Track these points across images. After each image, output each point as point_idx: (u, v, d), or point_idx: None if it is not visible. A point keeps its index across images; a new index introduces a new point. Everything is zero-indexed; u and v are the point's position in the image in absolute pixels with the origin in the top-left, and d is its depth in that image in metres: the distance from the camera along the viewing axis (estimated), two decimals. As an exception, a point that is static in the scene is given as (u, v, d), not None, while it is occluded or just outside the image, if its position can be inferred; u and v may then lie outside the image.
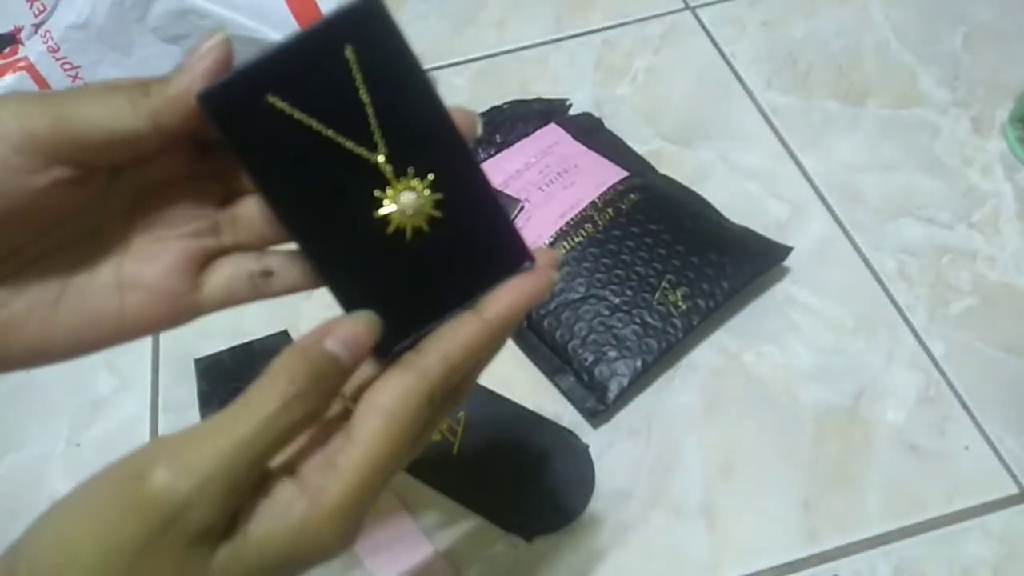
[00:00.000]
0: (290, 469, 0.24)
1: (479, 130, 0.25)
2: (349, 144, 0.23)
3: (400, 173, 0.24)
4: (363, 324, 0.24)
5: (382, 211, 0.24)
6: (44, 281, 0.25)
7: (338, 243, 0.24)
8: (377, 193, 0.24)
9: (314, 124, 0.23)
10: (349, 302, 0.25)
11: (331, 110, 0.23)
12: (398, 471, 0.25)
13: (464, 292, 0.25)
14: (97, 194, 0.24)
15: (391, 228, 0.24)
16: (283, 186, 0.24)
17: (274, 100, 0.23)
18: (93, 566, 0.21)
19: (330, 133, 0.23)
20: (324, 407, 0.24)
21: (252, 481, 0.23)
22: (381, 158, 0.24)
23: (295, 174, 0.24)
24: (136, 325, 0.26)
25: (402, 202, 0.24)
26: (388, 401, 0.23)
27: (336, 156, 0.23)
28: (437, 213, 0.24)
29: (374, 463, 0.23)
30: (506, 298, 0.25)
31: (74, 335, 0.27)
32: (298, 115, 0.23)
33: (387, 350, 0.25)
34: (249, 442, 0.22)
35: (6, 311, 0.25)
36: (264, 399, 0.23)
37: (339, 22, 0.23)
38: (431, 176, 0.24)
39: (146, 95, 0.22)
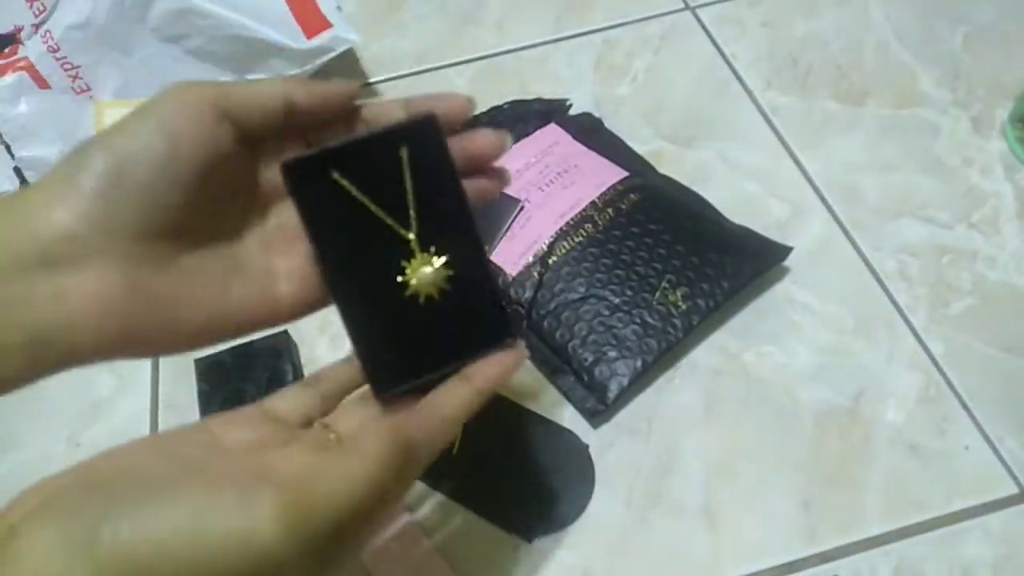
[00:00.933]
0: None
1: (471, 111, 0.31)
2: (389, 220, 0.30)
3: (424, 250, 0.30)
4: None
5: (403, 277, 0.30)
6: (214, 259, 0.30)
7: (363, 294, 0.30)
8: (403, 263, 0.30)
9: (365, 200, 0.30)
10: (360, 343, 0.30)
11: (380, 193, 0.30)
12: (373, 513, 0.26)
13: (456, 353, 0.31)
14: (250, 169, 0.30)
15: (408, 292, 0.30)
16: (331, 243, 0.30)
17: (338, 177, 0.29)
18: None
19: (375, 209, 0.30)
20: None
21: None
22: (412, 236, 0.30)
23: (342, 236, 0.30)
24: (292, 310, 0.31)
25: (421, 272, 0.30)
26: (388, 430, 0.27)
27: (376, 228, 0.30)
28: (446, 286, 0.31)
29: (371, 473, 0.26)
30: (491, 370, 0.31)
31: (237, 316, 0.30)
32: (355, 192, 0.30)
33: (382, 389, 0.30)
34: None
35: (185, 280, 0.29)
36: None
37: (400, 129, 0.30)
38: (446, 257, 0.30)
39: (287, 80, 0.29)
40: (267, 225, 0.32)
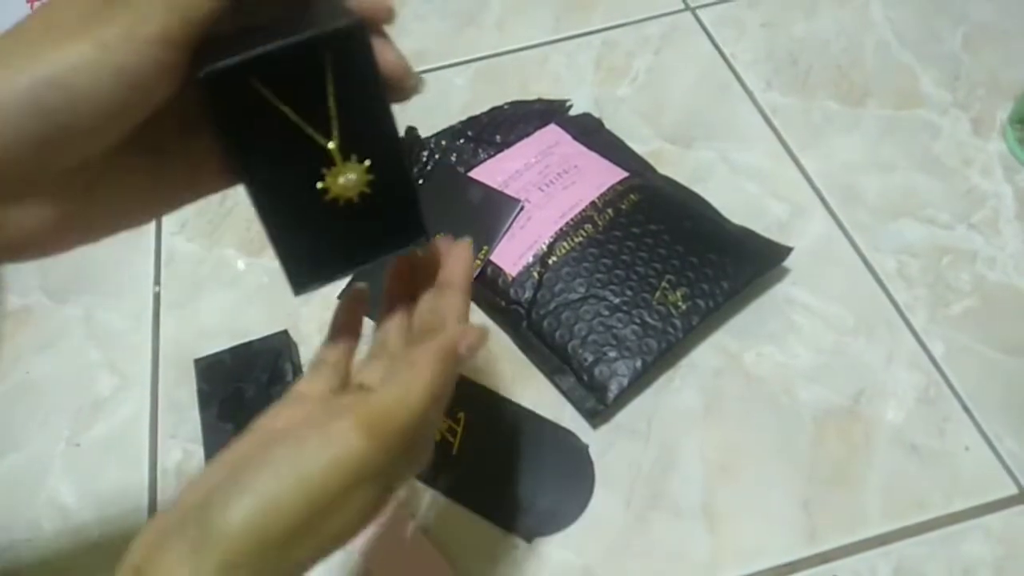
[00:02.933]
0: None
1: (392, 17, 0.30)
2: (309, 130, 0.29)
3: (346, 158, 0.30)
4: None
5: (322, 184, 0.30)
6: (144, 162, 0.29)
7: (284, 200, 0.30)
8: (323, 170, 0.30)
9: (286, 110, 0.29)
10: (279, 244, 0.31)
11: (303, 102, 0.29)
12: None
13: (371, 251, 0.32)
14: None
15: (328, 196, 0.30)
16: (249, 153, 0.29)
17: (258, 85, 0.28)
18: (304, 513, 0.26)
19: (295, 119, 0.29)
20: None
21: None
22: (332, 144, 0.30)
23: (261, 145, 0.29)
24: (218, 184, 0.31)
25: (340, 181, 0.30)
26: (433, 346, 0.30)
27: (297, 137, 0.29)
28: (367, 189, 0.31)
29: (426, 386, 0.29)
30: (458, 267, 0.34)
31: (169, 204, 0.31)
32: (276, 102, 0.28)
33: (299, 287, 0.31)
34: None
35: (118, 193, 0.29)
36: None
37: (326, 35, 0.28)
38: (367, 163, 0.30)
39: None
40: (196, 126, 0.30)
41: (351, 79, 0.29)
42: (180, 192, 0.31)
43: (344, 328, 0.34)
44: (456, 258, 0.35)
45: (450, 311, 0.33)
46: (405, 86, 0.30)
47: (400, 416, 0.28)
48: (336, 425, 0.27)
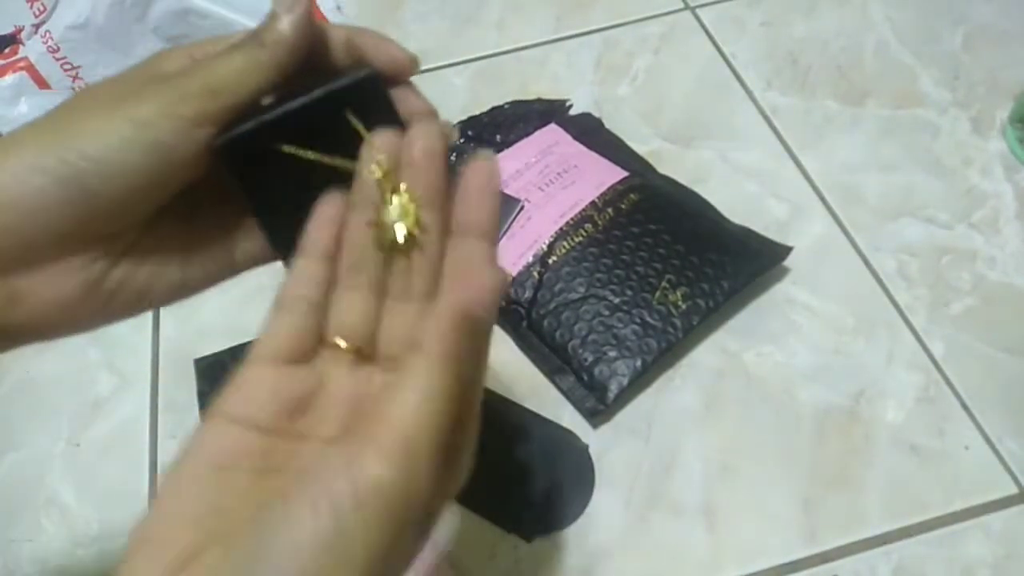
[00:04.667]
0: None
1: (413, 69, 0.29)
2: (347, 164, 0.27)
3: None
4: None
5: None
6: (173, 238, 0.29)
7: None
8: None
9: (324, 159, 0.27)
10: None
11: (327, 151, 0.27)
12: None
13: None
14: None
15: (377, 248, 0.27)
16: (279, 219, 0.28)
17: (287, 148, 0.27)
18: None
19: (339, 162, 0.27)
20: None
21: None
22: (379, 173, 0.26)
23: (290, 207, 0.27)
24: (248, 264, 0.31)
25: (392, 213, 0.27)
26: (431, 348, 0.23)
27: (328, 183, 0.27)
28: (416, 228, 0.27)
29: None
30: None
31: (197, 283, 0.30)
32: (311, 155, 0.27)
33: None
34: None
35: (145, 267, 0.28)
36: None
37: (342, 90, 0.27)
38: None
39: (262, 46, 0.27)
40: (223, 191, 0.29)
41: (374, 127, 0.27)
42: (213, 264, 0.30)
43: (324, 247, 0.27)
44: (477, 185, 0.25)
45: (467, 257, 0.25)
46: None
47: (425, 435, 0.22)
48: (357, 465, 0.21)
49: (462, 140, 0.60)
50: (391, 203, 0.26)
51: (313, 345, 0.26)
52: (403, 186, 0.26)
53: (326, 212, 0.27)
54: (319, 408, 0.25)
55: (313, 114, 0.27)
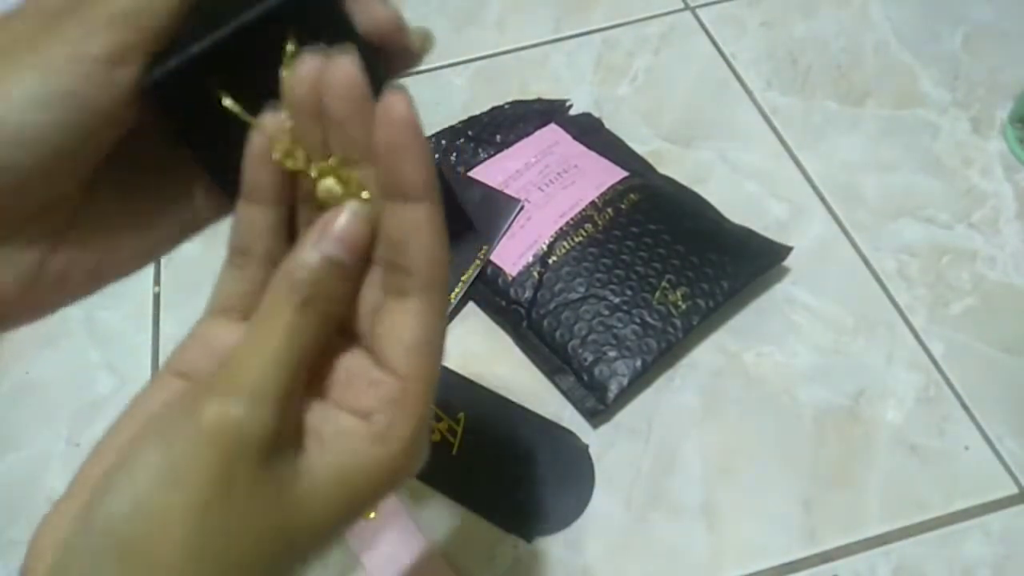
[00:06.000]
0: (338, 400, 0.23)
1: (410, 37, 0.26)
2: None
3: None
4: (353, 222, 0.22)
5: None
6: (117, 210, 0.25)
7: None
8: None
9: (248, 119, 0.23)
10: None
11: (263, 100, 0.23)
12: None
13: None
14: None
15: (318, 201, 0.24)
16: (215, 156, 0.24)
17: (215, 90, 0.23)
18: (195, 521, 0.20)
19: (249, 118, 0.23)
20: (339, 306, 0.23)
21: (299, 392, 0.22)
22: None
23: (227, 151, 0.23)
24: (212, 215, 0.26)
25: (327, 184, 0.23)
26: (415, 334, 0.22)
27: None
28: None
29: (428, 392, 0.23)
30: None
31: (158, 247, 0.27)
32: (235, 108, 0.23)
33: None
34: (279, 351, 0.21)
35: (88, 245, 0.24)
36: (277, 313, 0.22)
37: (282, 7, 0.23)
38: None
39: None
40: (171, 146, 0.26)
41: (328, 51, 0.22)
42: (175, 224, 0.26)
43: (264, 187, 0.23)
44: (394, 137, 0.21)
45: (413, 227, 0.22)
46: (405, 45, 0.25)
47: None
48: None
49: (462, 140, 0.60)
50: (314, 175, 0.23)
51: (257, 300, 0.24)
52: (332, 159, 0.22)
53: (255, 152, 0.23)
54: None
55: (252, 39, 0.23)
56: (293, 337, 0.22)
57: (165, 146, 0.25)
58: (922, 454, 0.46)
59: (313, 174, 0.23)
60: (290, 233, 0.24)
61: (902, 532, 0.44)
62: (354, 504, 0.23)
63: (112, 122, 0.22)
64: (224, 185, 0.25)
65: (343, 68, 0.21)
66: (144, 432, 0.22)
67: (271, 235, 0.24)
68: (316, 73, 0.21)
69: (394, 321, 0.23)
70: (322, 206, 0.23)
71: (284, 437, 0.21)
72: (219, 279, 0.24)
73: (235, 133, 0.23)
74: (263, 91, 0.22)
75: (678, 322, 0.49)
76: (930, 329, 0.51)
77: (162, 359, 0.53)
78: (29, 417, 0.51)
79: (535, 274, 0.52)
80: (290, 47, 0.22)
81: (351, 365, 0.24)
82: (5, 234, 0.22)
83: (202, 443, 0.20)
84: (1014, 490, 0.45)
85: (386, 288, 0.23)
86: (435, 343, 0.23)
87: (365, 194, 0.22)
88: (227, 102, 0.23)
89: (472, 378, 0.50)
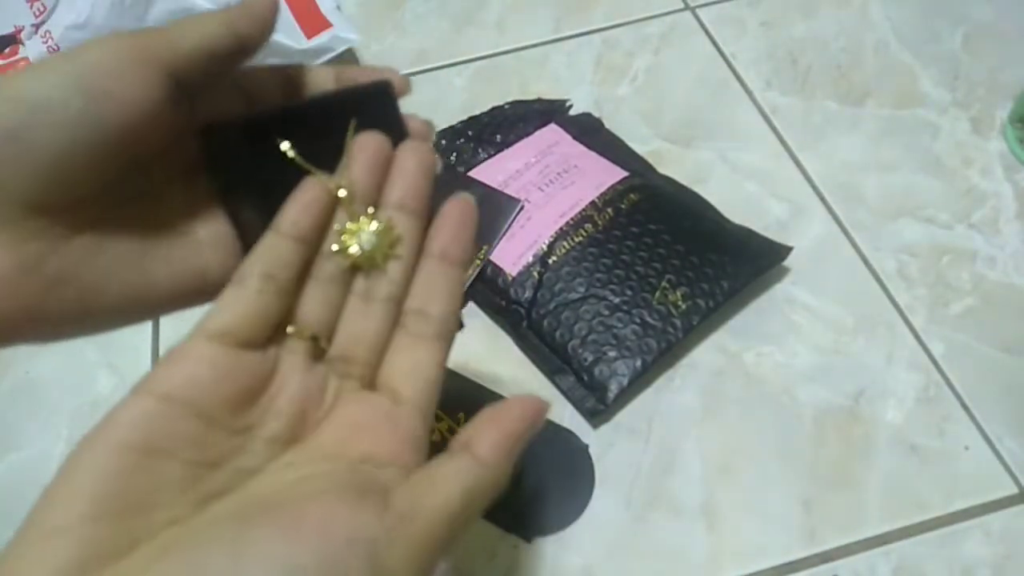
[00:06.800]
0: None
1: (432, 135, 0.30)
2: (320, 174, 0.26)
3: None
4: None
5: (336, 246, 0.26)
6: (128, 228, 0.26)
7: None
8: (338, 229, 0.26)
9: (312, 168, 0.25)
10: None
11: (325, 165, 0.25)
12: None
13: None
14: (182, 121, 0.25)
15: (346, 263, 0.26)
16: (256, 220, 0.26)
17: (282, 145, 0.25)
18: None
19: (307, 165, 0.25)
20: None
21: None
22: (343, 192, 0.25)
23: (269, 209, 0.25)
24: (221, 282, 0.25)
25: (363, 239, 0.25)
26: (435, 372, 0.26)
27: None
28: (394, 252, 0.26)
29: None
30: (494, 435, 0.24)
31: (158, 292, 0.26)
32: (299, 160, 0.25)
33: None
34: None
35: (92, 255, 0.25)
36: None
37: (354, 95, 0.27)
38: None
39: (226, 10, 0.24)
40: (195, 188, 0.27)
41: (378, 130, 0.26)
42: (179, 269, 0.26)
43: (299, 227, 0.25)
44: (458, 216, 0.26)
45: (440, 288, 0.26)
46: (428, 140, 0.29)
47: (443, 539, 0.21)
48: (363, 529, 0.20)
49: (462, 140, 0.60)
50: (358, 223, 0.25)
51: (269, 330, 0.24)
52: (384, 215, 0.26)
53: (308, 194, 0.25)
54: (266, 402, 0.24)
55: (316, 117, 0.26)
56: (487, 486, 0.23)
57: (187, 189, 0.27)
58: (922, 454, 0.46)
59: (357, 224, 0.25)
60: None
61: (902, 532, 0.44)
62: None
63: (135, 128, 0.23)
64: (244, 240, 0.26)
65: (425, 144, 0.27)
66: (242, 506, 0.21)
67: (287, 269, 0.24)
68: (380, 144, 0.26)
69: (416, 360, 0.25)
70: (350, 257, 0.25)
71: None
72: (222, 301, 0.24)
73: (269, 194, 0.25)
74: (318, 158, 0.25)
75: (678, 322, 0.49)
76: (930, 329, 0.51)
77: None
78: (29, 417, 0.51)
79: (535, 274, 0.52)
80: (353, 122, 0.26)
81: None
82: (19, 215, 0.23)
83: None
84: (1014, 490, 0.45)
85: (410, 331, 0.26)
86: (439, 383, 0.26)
87: (400, 249, 0.26)
88: (287, 149, 0.26)
89: (472, 378, 0.50)
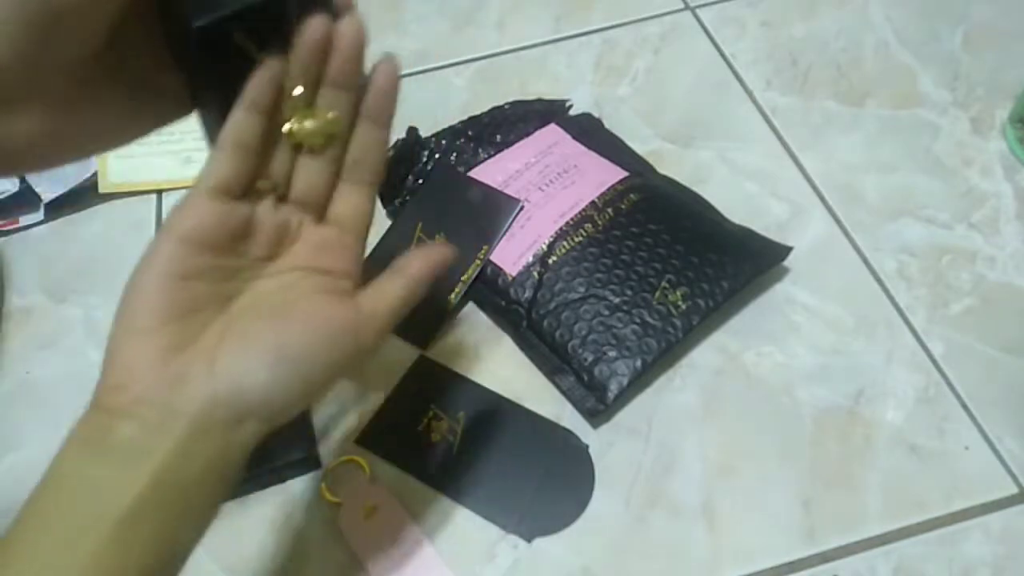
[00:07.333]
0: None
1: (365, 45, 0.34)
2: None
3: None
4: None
5: (287, 127, 0.33)
6: (124, 86, 0.32)
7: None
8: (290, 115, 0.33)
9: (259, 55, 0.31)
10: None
11: (274, 51, 0.31)
12: None
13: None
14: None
15: (293, 140, 0.33)
16: (222, 96, 0.31)
17: (240, 37, 0.30)
18: None
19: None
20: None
21: None
22: (297, 91, 0.32)
23: (233, 89, 0.31)
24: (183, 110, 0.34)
25: (306, 125, 0.33)
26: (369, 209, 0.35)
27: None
28: (332, 132, 0.33)
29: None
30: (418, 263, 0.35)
31: (146, 127, 0.34)
32: (253, 52, 0.30)
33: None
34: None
35: (100, 115, 0.31)
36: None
37: None
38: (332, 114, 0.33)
39: None
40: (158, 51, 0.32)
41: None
42: (148, 120, 0.34)
43: (262, 103, 0.32)
44: (381, 90, 0.34)
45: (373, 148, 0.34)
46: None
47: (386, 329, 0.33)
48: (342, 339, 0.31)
49: (462, 140, 0.60)
50: (304, 111, 0.32)
51: (248, 185, 0.32)
52: (325, 99, 0.32)
53: (267, 73, 0.31)
54: (251, 235, 0.32)
55: (272, 7, 0.30)
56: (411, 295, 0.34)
57: (156, 67, 0.32)
58: (922, 454, 0.46)
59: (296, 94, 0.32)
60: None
61: (902, 532, 0.44)
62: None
63: None
64: (206, 122, 0.33)
65: (354, 23, 0.32)
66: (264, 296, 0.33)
67: (255, 138, 0.32)
68: (326, 28, 0.31)
69: (354, 202, 0.35)
70: (296, 137, 0.33)
71: None
72: (210, 163, 0.31)
73: (229, 83, 0.31)
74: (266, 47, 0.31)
75: (678, 322, 0.49)
76: (930, 329, 0.51)
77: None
78: (29, 416, 0.51)
79: (535, 274, 0.52)
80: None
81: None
82: (27, 96, 0.28)
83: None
84: (1014, 490, 0.45)
85: (348, 180, 0.35)
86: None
87: (331, 114, 0.33)
88: (239, 40, 0.30)
89: (472, 378, 0.50)
